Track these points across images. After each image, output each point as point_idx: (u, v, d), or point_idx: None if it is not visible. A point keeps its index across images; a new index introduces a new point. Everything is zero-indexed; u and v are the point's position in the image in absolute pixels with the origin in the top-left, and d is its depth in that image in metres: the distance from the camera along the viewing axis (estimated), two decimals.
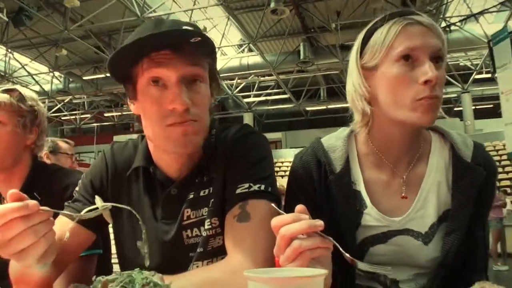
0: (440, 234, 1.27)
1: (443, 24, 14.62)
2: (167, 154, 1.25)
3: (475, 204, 1.25)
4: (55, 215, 0.95)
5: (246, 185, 1.19)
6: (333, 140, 1.38)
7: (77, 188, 1.36)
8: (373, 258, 1.30)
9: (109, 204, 1.01)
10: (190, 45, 1.10)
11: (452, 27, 14.38)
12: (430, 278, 1.27)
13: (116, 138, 29.52)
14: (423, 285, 1.28)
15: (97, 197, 1.04)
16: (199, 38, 1.08)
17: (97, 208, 1.00)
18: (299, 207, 0.93)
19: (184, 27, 1.14)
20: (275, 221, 0.91)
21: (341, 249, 0.94)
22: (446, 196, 1.28)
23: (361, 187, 1.32)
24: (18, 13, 12.38)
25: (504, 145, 15.20)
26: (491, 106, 21.54)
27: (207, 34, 1.12)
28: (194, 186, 1.27)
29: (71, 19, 14.41)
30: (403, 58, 1.18)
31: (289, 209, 1.38)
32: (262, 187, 1.19)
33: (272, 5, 12.66)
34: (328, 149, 1.35)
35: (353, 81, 1.29)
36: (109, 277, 0.74)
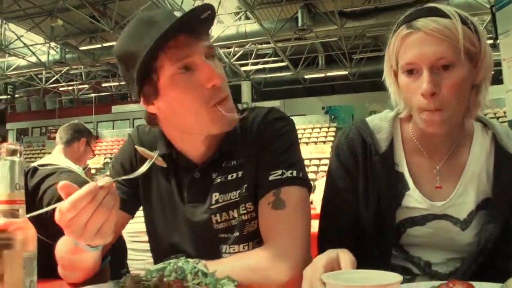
0: (477, 221, 1.28)
1: None
2: (197, 137, 1.23)
3: None
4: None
5: (279, 171, 1.19)
6: (378, 121, 1.38)
7: (107, 173, 1.37)
8: (409, 239, 1.32)
9: (157, 152, 1.05)
10: (201, 24, 1.12)
11: None
12: (468, 262, 1.28)
13: (114, 108, 29.56)
14: (456, 268, 1.30)
15: (141, 148, 1.07)
16: (209, 12, 1.09)
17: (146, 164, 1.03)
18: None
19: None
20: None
21: None
22: (486, 185, 1.29)
23: (404, 169, 1.32)
24: None
25: (505, 112, 15.14)
26: (493, 72, 21.44)
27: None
28: (221, 170, 1.26)
29: None
30: (406, 71, 1.19)
31: (329, 183, 1.40)
32: (294, 173, 1.20)
33: None
34: (373, 130, 1.35)
35: (385, 74, 1.31)
36: (157, 266, 0.74)
